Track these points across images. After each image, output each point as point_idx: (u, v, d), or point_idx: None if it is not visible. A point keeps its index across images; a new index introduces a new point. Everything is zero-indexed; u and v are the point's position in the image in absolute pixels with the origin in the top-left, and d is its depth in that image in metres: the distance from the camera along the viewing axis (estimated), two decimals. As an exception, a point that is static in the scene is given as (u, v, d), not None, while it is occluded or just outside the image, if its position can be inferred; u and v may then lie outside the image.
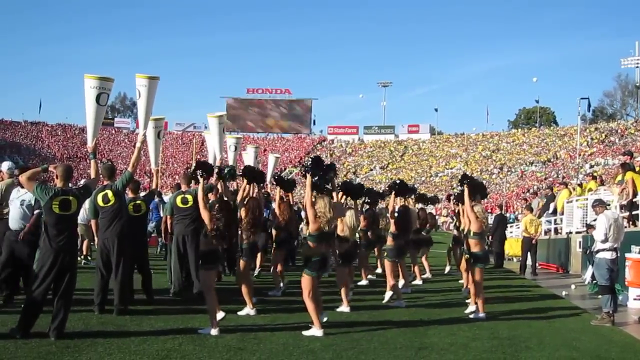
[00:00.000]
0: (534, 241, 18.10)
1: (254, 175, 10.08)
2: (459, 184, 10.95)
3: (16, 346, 6.67)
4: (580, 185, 21.84)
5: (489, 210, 31.94)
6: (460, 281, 13.77)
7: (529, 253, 18.32)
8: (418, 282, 14.43)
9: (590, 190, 19.48)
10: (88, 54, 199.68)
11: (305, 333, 7.96)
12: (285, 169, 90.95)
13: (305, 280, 8.16)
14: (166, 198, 15.70)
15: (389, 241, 11.23)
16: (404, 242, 11.41)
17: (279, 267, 11.80)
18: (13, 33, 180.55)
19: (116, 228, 8.93)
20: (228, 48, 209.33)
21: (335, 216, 9.24)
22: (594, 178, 21.18)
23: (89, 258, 14.96)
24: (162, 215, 13.48)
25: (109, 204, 9.06)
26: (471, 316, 9.98)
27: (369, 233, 12.94)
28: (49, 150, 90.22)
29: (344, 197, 10.11)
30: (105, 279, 8.97)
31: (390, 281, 10.98)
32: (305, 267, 8.26)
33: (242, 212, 9.37)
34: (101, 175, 9.33)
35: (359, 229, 11.48)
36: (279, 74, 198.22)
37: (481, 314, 9.94)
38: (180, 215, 10.77)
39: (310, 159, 8.93)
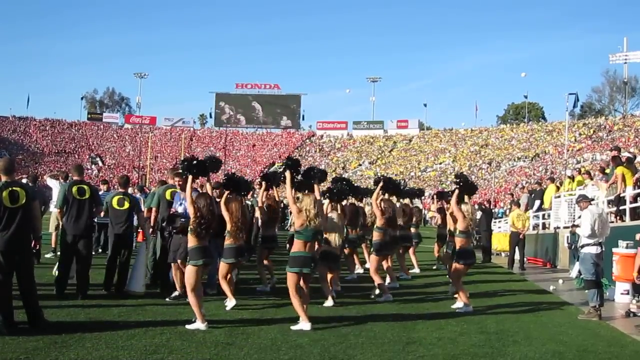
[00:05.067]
0: (521, 236, 18.20)
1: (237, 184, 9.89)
2: (454, 181, 11.01)
3: (3, 342, 6.63)
4: (572, 177, 21.89)
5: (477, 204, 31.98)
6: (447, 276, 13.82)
7: (516, 248, 18.41)
8: (406, 275, 14.50)
9: (580, 183, 19.63)
10: (76, 49, 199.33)
11: (294, 327, 7.98)
12: (274, 164, 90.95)
13: (289, 278, 8.22)
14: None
15: (375, 236, 11.24)
16: (389, 237, 11.41)
17: (265, 262, 11.76)
18: None
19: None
20: (216, 43, 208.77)
21: (326, 225, 9.30)
22: (587, 173, 21.29)
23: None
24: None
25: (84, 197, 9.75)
26: (459, 310, 10.02)
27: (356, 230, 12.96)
28: (37, 145, 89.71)
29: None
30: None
31: (375, 279, 10.99)
32: (288, 265, 8.29)
33: (225, 216, 9.32)
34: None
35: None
36: (267, 69, 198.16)
37: (468, 307, 9.99)
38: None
39: (289, 160, 9.02)
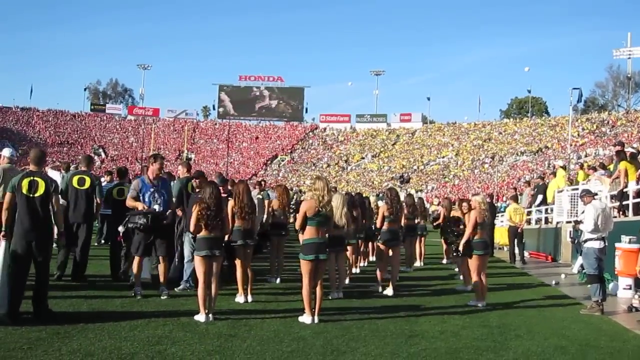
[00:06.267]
0: (519, 230, 18.22)
1: None
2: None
3: (6, 332, 6.66)
4: (564, 167, 21.89)
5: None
6: (456, 269, 13.84)
7: (516, 241, 18.44)
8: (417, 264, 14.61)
9: (587, 175, 19.60)
10: (79, 39, 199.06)
11: (300, 319, 8.03)
12: (277, 156, 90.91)
13: (303, 266, 8.17)
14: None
15: (385, 225, 11.22)
16: (396, 226, 11.37)
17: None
18: (3, 18, 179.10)
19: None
20: (220, 35, 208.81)
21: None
22: (592, 169, 21.26)
23: None
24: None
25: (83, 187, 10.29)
26: (470, 303, 10.11)
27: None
28: (40, 136, 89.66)
29: None
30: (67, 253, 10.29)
31: (379, 271, 11.04)
32: (301, 252, 8.24)
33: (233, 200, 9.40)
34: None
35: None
36: (271, 61, 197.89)
37: (477, 302, 10.04)
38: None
39: None
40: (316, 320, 7.97)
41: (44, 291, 7.56)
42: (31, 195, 7.41)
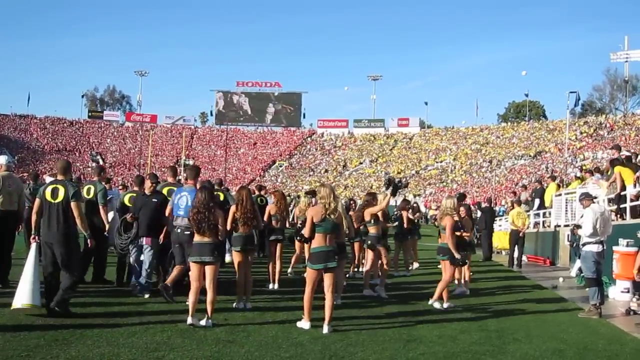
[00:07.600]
0: (521, 234, 18.23)
1: None
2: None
3: (4, 339, 6.65)
4: (581, 178, 21.83)
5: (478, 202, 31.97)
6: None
7: (516, 246, 18.45)
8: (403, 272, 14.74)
9: (583, 179, 19.64)
10: (76, 46, 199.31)
11: (298, 324, 8.02)
12: (275, 162, 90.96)
13: (309, 274, 8.12)
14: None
15: (372, 229, 11.24)
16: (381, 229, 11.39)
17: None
18: (0, 25, 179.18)
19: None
20: (217, 41, 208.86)
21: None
22: (589, 172, 21.28)
23: None
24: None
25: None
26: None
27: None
28: (38, 143, 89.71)
29: None
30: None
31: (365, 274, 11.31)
32: (308, 261, 8.20)
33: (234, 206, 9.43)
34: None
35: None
36: (268, 67, 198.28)
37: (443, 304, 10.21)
38: None
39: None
40: (326, 330, 7.80)
41: (61, 286, 7.97)
42: (53, 201, 8.02)
